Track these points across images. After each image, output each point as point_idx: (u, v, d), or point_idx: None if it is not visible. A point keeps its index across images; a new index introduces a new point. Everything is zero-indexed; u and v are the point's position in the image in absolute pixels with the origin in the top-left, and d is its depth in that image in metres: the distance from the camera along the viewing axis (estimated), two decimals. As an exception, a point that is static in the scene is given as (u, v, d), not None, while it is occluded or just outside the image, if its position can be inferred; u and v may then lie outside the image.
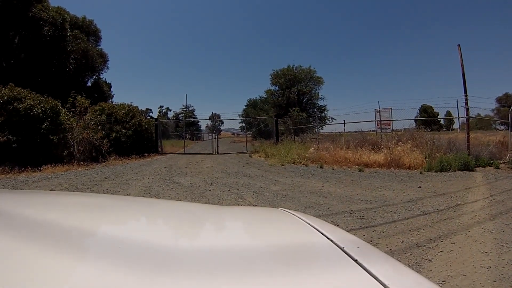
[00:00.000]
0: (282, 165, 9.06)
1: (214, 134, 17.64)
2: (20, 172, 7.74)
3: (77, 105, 10.91)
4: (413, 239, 2.73)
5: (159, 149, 14.25)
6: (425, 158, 7.74)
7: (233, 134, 53.83)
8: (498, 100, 33.90)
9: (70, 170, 8.30)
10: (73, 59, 19.24)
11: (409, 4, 78.28)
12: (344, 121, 11.63)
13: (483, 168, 7.35)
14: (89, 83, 22.79)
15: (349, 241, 0.58)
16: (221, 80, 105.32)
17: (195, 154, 14.78)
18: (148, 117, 18.10)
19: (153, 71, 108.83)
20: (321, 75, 28.18)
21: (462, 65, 8.90)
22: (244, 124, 23.02)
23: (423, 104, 27.71)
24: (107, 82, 25.47)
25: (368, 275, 0.42)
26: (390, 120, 11.74)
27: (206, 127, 36.90)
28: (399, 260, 0.53)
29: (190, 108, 46.63)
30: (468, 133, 8.59)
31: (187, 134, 23.31)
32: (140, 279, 0.39)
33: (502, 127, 16.73)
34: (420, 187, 5.24)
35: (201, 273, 0.43)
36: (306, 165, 8.88)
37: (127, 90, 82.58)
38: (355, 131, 12.27)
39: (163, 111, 52.85)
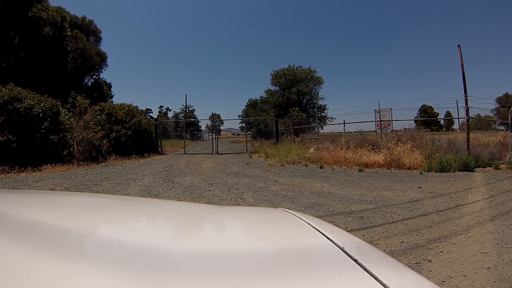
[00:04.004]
0: (282, 165, 9.06)
1: (214, 134, 17.62)
2: (20, 172, 7.74)
3: (77, 105, 10.93)
4: (413, 240, 2.73)
5: (159, 149, 14.25)
6: (425, 158, 7.74)
7: (233, 134, 53.85)
8: (498, 100, 34.00)
9: (70, 170, 8.30)
10: (71, 58, 19.25)
11: (409, 4, 78.45)
12: (344, 121, 11.66)
13: (483, 168, 7.36)
14: (89, 83, 22.80)
15: (349, 241, 0.58)
16: (221, 80, 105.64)
17: (195, 154, 14.78)
18: (148, 117, 18.11)
19: (153, 71, 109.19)
20: (321, 75, 28.28)
21: (462, 65, 8.91)
22: (244, 124, 23.02)
23: (423, 105, 27.84)
24: (107, 82, 25.48)
25: (368, 275, 0.42)
26: (390, 121, 11.74)
27: (206, 127, 36.94)
28: (399, 261, 0.53)
29: (190, 108, 46.63)
30: (468, 134, 8.59)
31: (187, 134, 23.32)
32: (140, 280, 0.39)
33: (502, 127, 16.77)
34: (420, 187, 5.24)
35: (201, 274, 0.43)
36: (306, 165, 8.88)
37: (127, 90, 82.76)
38: (355, 131, 12.28)
39: (163, 111, 52.84)
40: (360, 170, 7.49)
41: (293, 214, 0.80)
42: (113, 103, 16.30)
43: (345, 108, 62.89)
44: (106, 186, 5.82)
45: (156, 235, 0.65)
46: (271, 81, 28.82)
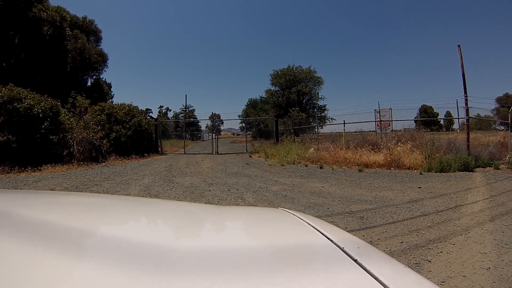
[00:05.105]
0: (282, 166, 9.05)
1: (214, 134, 17.61)
2: (20, 172, 7.74)
3: (77, 105, 10.93)
4: (412, 240, 2.73)
5: (159, 149, 14.25)
6: (425, 158, 7.74)
7: (233, 134, 53.85)
8: (498, 100, 34.02)
9: (70, 170, 8.30)
10: (70, 58, 19.25)
11: (409, 4, 78.50)
12: (344, 121, 11.65)
13: (483, 168, 7.35)
14: (89, 83, 22.81)
15: (349, 241, 0.58)
16: (221, 80, 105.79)
17: (195, 154, 14.77)
18: (148, 117, 18.10)
19: (153, 71, 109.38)
20: (321, 75, 28.30)
21: (462, 65, 8.91)
22: (244, 124, 23.01)
23: (423, 105, 27.88)
24: (107, 82, 25.48)
25: (368, 275, 0.42)
26: (390, 121, 11.74)
27: (206, 127, 36.91)
28: (398, 261, 0.53)
29: (190, 108, 46.61)
30: (468, 134, 8.59)
31: (187, 134, 23.32)
32: (140, 279, 0.39)
33: (502, 127, 16.77)
34: (420, 187, 5.24)
35: (201, 273, 0.43)
36: (306, 166, 8.88)
37: (127, 90, 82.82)
38: (355, 131, 12.28)
39: (163, 111, 52.82)
40: (360, 170, 7.49)
41: (293, 214, 0.80)
42: (113, 103, 16.30)
43: (345, 108, 63.02)
44: (106, 186, 5.82)
45: (156, 235, 0.65)
46: (271, 81, 28.86)
